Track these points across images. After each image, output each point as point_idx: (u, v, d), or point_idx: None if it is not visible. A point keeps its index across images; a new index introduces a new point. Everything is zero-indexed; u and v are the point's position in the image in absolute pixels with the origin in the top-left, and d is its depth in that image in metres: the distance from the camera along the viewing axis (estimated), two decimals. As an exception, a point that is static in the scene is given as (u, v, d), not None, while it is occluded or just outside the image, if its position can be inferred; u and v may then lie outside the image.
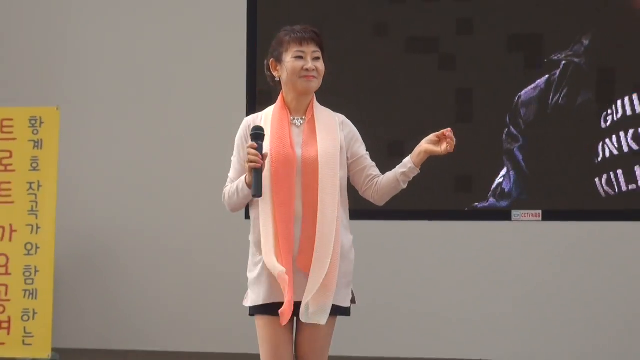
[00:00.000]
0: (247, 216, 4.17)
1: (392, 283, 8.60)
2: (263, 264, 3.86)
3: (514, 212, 8.46)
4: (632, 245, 8.35)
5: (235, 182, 3.95)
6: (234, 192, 3.93)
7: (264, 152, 3.79)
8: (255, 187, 3.78)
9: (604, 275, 8.37)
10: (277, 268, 3.75)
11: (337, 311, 3.89)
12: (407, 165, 3.91)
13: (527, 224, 8.45)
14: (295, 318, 3.88)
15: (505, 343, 8.44)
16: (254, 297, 3.91)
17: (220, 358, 8.43)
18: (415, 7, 8.67)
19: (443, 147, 3.84)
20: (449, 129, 3.89)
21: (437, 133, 3.88)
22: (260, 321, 3.91)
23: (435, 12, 8.62)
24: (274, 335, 3.86)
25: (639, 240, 8.35)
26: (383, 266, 8.54)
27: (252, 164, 3.75)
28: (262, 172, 3.78)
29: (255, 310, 3.91)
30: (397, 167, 3.95)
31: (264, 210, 3.83)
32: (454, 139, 3.86)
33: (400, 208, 8.09)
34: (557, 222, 8.42)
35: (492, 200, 8.56)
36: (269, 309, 3.86)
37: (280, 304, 3.79)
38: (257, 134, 3.83)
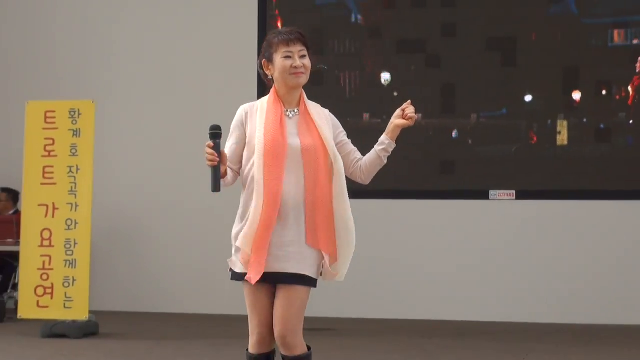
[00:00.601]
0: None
1: (383, 253, 8.77)
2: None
3: (491, 192, 8.64)
4: (596, 220, 8.57)
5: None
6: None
7: (221, 149, 3.75)
8: (213, 183, 3.72)
9: (571, 247, 8.58)
10: (245, 249, 3.84)
11: (310, 282, 3.89)
12: (385, 142, 3.96)
13: (503, 202, 8.64)
14: (276, 285, 3.88)
15: (483, 306, 8.62)
16: (237, 262, 3.96)
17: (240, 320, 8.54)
18: (405, 13, 8.90)
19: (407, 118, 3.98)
20: (408, 101, 4.03)
21: (401, 107, 3.99)
22: (245, 288, 3.93)
23: (423, 17, 8.86)
24: (256, 300, 3.90)
25: (602, 216, 8.57)
26: (376, 239, 8.68)
27: (209, 163, 3.72)
28: (219, 170, 3.74)
29: (238, 277, 3.95)
30: (375, 146, 3.99)
31: (257, 192, 3.82)
32: (412, 108, 3.97)
33: (393, 188, 8.33)
34: (529, 200, 8.62)
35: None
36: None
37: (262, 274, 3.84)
38: (215, 133, 3.74)
